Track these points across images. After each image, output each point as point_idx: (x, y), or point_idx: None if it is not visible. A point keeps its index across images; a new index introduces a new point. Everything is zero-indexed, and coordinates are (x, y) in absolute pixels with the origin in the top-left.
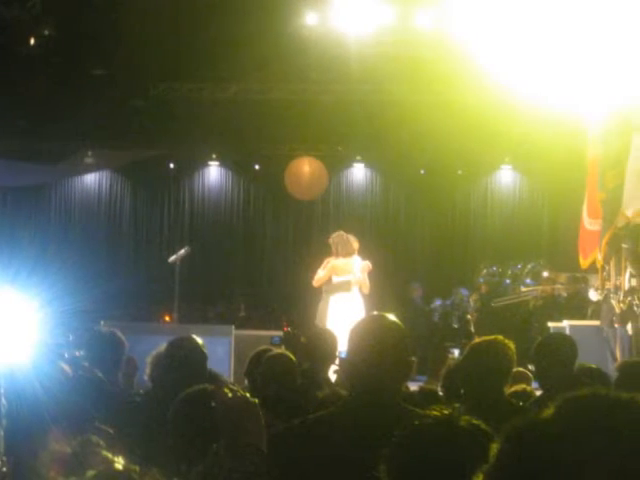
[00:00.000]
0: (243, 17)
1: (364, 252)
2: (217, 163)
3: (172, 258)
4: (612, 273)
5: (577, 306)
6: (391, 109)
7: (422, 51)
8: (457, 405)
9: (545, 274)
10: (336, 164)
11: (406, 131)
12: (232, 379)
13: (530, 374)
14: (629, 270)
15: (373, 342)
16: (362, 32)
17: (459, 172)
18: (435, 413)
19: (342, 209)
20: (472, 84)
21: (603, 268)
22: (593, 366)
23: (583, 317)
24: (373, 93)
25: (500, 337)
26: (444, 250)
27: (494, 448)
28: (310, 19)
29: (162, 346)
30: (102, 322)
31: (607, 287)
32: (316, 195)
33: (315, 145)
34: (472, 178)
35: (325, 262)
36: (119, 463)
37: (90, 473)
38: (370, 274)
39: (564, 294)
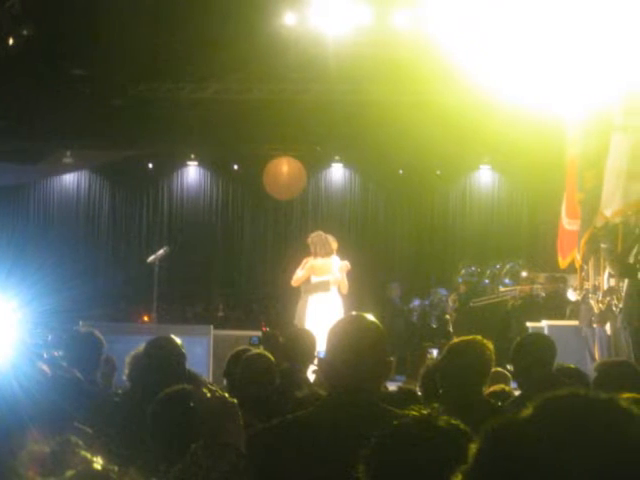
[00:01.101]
0: (222, 17)
1: (343, 252)
2: (196, 163)
3: (151, 258)
4: (591, 273)
5: (556, 306)
6: (370, 109)
7: (400, 51)
8: (436, 405)
9: (524, 274)
10: (315, 164)
11: (385, 131)
12: (211, 379)
13: (509, 374)
14: (608, 270)
15: (351, 342)
16: (340, 32)
17: (438, 172)
18: (414, 413)
19: (321, 209)
20: (450, 84)
21: (582, 268)
22: (572, 366)
23: (562, 317)
24: (352, 93)
25: (479, 337)
26: (423, 250)
27: (473, 448)
28: (289, 19)
29: (141, 346)
30: (81, 322)
31: (586, 287)
32: (294, 195)
33: (294, 145)
34: (451, 178)
35: (304, 262)
36: (98, 463)
37: (69, 473)
38: (349, 274)
39: (543, 294)
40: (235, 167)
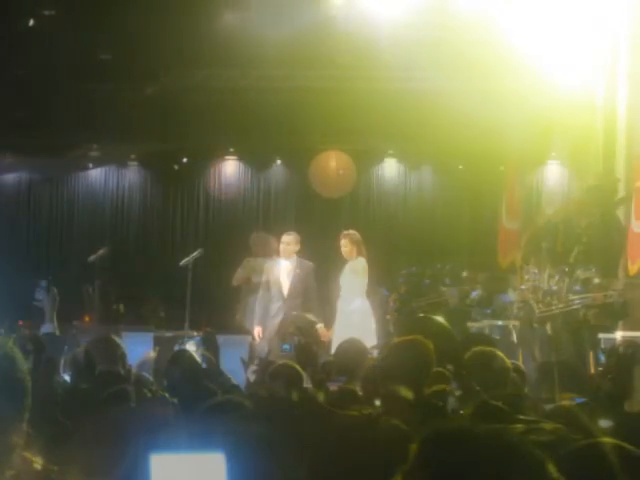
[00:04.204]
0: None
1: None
2: (136, 164)
3: (92, 258)
4: (531, 273)
5: (497, 306)
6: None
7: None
8: (377, 405)
9: (464, 274)
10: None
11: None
12: (151, 379)
13: (449, 374)
14: (548, 270)
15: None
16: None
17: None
18: (355, 413)
19: (267, 208)
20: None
21: (522, 268)
22: (510, 365)
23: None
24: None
25: (419, 337)
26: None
27: (413, 448)
28: None
29: (81, 345)
30: (21, 322)
31: (526, 287)
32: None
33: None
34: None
35: (245, 262)
36: (38, 463)
37: (9, 473)
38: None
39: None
40: (175, 167)
